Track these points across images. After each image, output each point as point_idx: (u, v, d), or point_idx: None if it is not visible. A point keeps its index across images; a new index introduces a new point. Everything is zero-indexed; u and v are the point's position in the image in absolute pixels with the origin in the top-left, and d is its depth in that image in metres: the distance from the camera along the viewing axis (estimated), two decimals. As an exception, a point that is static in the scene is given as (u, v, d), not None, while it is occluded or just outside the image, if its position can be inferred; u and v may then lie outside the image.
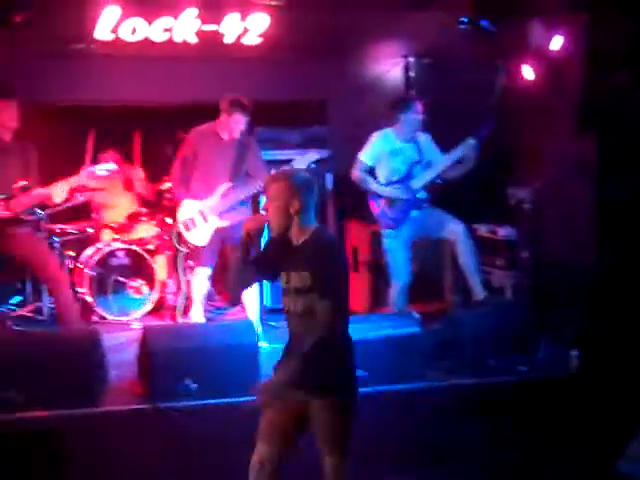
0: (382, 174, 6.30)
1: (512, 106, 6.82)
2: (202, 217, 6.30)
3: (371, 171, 6.32)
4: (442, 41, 7.14)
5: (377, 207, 6.31)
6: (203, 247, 6.36)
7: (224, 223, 6.30)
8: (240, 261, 3.74)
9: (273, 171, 6.06)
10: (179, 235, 6.43)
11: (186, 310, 6.79)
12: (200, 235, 6.33)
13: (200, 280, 6.45)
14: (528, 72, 6.76)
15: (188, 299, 6.82)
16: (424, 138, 6.36)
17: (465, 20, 5.32)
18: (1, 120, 5.96)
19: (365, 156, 6.27)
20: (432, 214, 6.33)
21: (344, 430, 3.60)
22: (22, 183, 5.99)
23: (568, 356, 5.71)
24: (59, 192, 6.01)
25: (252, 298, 6.37)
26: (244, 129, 6.29)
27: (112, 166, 6.35)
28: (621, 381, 5.40)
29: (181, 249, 6.69)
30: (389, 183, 6.26)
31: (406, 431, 5.11)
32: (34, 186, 6.02)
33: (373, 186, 6.26)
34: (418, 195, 6.27)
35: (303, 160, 6.20)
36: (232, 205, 6.28)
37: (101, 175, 6.25)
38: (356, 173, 6.27)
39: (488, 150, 6.40)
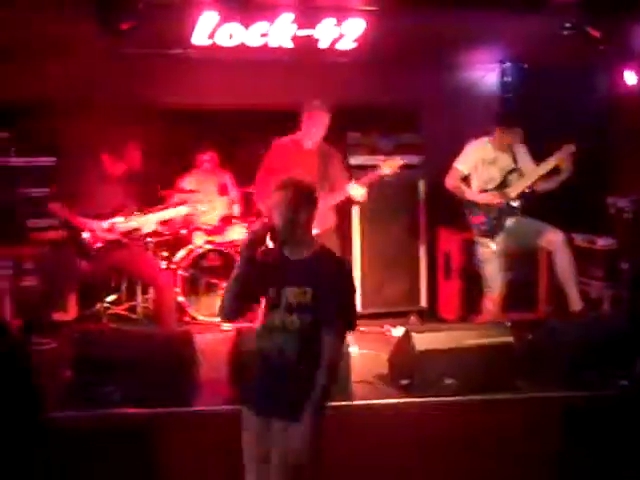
0: (477, 182, 6.22)
1: (613, 113, 6.64)
2: None
3: (465, 179, 6.24)
4: (541, 46, 6.99)
5: (471, 216, 6.22)
6: None
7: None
8: (245, 261, 3.59)
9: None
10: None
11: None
12: None
13: None
14: (631, 78, 6.57)
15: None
16: (520, 148, 6.25)
17: (568, 25, 5.16)
18: (112, 170, 6.35)
19: (461, 164, 6.21)
20: (528, 223, 6.21)
21: None
22: (126, 208, 6.37)
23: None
24: (148, 225, 6.43)
25: None
26: (324, 134, 6.20)
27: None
28: None
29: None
30: (483, 191, 6.16)
31: (496, 441, 5.00)
32: (134, 211, 6.41)
33: (469, 194, 6.16)
34: (513, 204, 6.14)
35: (388, 165, 6.12)
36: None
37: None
38: (451, 181, 6.21)
39: (587, 158, 6.24)
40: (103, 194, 6.30)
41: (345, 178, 6.28)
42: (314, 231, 6.05)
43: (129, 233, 6.41)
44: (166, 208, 6.63)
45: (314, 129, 6.16)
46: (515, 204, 6.17)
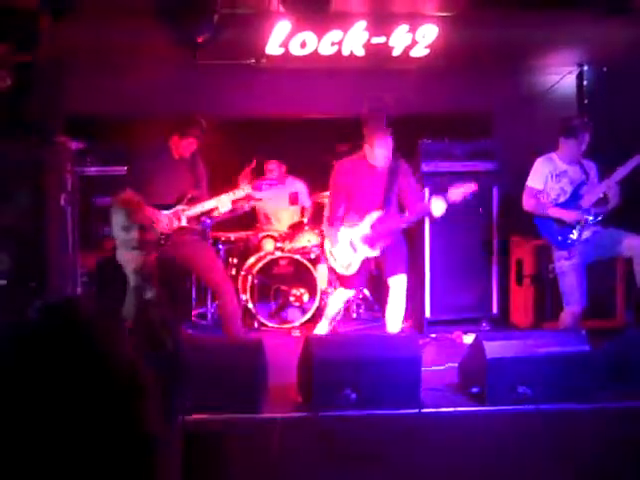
0: (549, 196, 6.12)
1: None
2: (352, 248, 6.17)
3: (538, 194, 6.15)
4: (621, 48, 6.83)
5: (548, 228, 6.11)
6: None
7: (375, 253, 6.16)
8: None
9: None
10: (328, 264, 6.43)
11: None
12: (348, 265, 6.20)
13: (337, 300, 6.44)
14: None
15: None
16: (589, 164, 6.14)
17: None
18: (181, 151, 6.28)
19: (533, 181, 6.14)
20: (605, 233, 6.05)
21: None
22: (191, 195, 6.27)
23: None
24: (225, 202, 6.23)
25: (396, 313, 6.25)
26: (391, 144, 6.04)
27: (273, 181, 6.50)
28: None
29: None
30: (557, 205, 6.06)
31: (571, 453, 4.88)
32: (203, 197, 6.29)
33: (552, 211, 6.05)
34: (588, 216, 6.02)
35: (457, 191, 5.97)
36: (383, 234, 6.11)
37: (264, 189, 6.40)
38: (530, 201, 6.11)
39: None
40: (171, 180, 6.27)
41: (414, 195, 6.22)
42: (374, 253, 6.12)
43: (196, 220, 6.36)
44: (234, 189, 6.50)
45: (380, 156, 6.04)
46: (593, 215, 6.03)
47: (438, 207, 5.94)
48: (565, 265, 6.03)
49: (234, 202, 6.40)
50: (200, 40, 4.96)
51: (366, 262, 6.23)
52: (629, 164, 5.88)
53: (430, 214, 6.05)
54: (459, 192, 5.96)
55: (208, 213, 6.38)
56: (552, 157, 6.15)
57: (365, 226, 6.11)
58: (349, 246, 6.18)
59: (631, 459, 4.82)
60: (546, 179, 6.12)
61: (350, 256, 6.17)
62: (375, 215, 6.11)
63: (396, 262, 6.22)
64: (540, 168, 6.14)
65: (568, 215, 6.01)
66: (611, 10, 4.79)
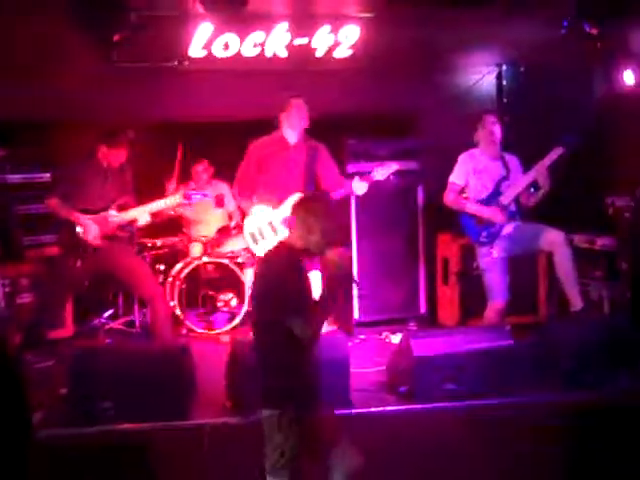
0: (471, 192, 6.20)
1: (612, 113, 6.59)
2: (271, 228, 6.20)
3: (461, 191, 6.22)
4: (538, 48, 6.95)
5: (469, 225, 6.18)
6: None
7: None
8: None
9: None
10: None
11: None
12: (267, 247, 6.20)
13: None
14: (629, 77, 6.52)
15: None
16: (511, 157, 6.24)
17: (566, 24, 5.13)
18: (109, 161, 6.26)
19: (455, 177, 6.24)
20: (527, 227, 6.15)
21: None
22: (121, 201, 6.25)
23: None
24: (143, 216, 6.28)
25: None
26: (306, 123, 6.20)
27: (204, 192, 6.62)
28: None
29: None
30: (478, 201, 6.13)
31: (496, 446, 4.94)
32: (131, 204, 6.29)
33: (469, 208, 6.13)
34: (509, 209, 6.11)
35: (383, 171, 6.12)
36: None
37: (194, 200, 6.45)
38: (450, 196, 6.20)
39: (586, 158, 6.18)
40: (98, 187, 6.23)
41: (335, 174, 6.29)
42: None
43: (123, 227, 6.32)
44: (158, 199, 6.46)
45: (297, 121, 6.17)
46: (513, 209, 6.12)
47: (360, 187, 6.11)
48: (487, 261, 6.12)
49: (153, 215, 6.36)
50: (116, 38, 4.85)
51: None
52: (553, 153, 5.97)
53: (352, 193, 6.21)
54: (383, 172, 6.11)
55: (131, 222, 6.33)
56: (474, 153, 6.25)
57: (285, 208, 6.04)
58: (269, 227, 6.18)
59: (554, 449, 4.91)
60: (467, 175, 6.20)
61: (270, 238, 6.12)
62: (296, 197, 6.09)
63: None
64: (462, 164, 6.23)
65: (484, 212, 6.10)
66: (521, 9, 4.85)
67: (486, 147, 6.19)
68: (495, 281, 6.10)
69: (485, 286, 6.16)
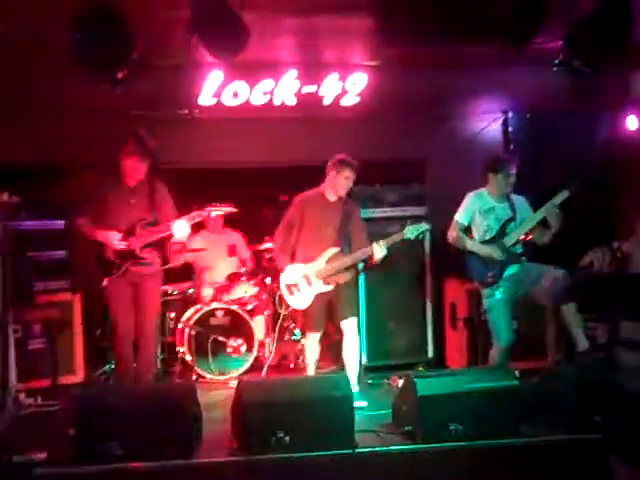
0: (477, 232, 6.24)
1: (616, 157, 6.65)
2: (306, 281, 6.30)
3: (467, 230, 6.27)
4: (542, 95, 7.05)
5: (474, 266, 6.20)
6: (312, 312, 6.34)
7: (328, 288, 6.28)
8: None
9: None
10: (280, 298, 6.42)
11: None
12: (302, 299, 6.32)
13: (311, 345, 6.38)
14: (632, 122, 6.60)
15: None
16: (518, 198, 6.28)
17: (557, 62, 5.25)
18: (129, 174, 6.20)
19: (460, 216, 6.28)
20: (531, 268, 6.16)
21: None
22: (147, 219, 6.21)
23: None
24: (182, 227, 6.13)
25: (352, 356, 6.33)
26: (351, 187, 6.33)
27: (228, 208, 6.56)
28: None
29: (281, 312, 6.73)
30: (483, 241, 6.18)
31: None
32: (162, 222, 6.21)
33: (470, 245, 6.18)
34: (514, 251, 6.13)
35: (413, 230, 6.19)
36: (338, 270, 6.26)
37: (217, 214, 6.60)
38: (453, 233, 6.26)
39: (592, 204, 6.22)
40: (123, 205, 6.19)
41: (364, 235, 6.38)
42: (328, 288, 6.19)
43: (156, 250, 6.31)
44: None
45: (342, 191, 6.29)
46: (518, 251, 6.15)
47: (379, 251, 6.13)
48: (491, 301, 6.13)
49: (191, 227, 6.29)
50: (120, 76, 4.97)
51: (322, 301, 6.30)
52: (560, 196, 6.00)
53: (371, 257, 6.21)
54: (413, 231, 6.19)
55: (164, 241, 6.29)
56: (481, 193, 6.29)
57: (321, 261, 6.24)
58: (304, 280, 6.28)
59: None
60: (473, 214, 6.24)
61: (305, 291, 6.26)
62: (331, 251, 6.25)
63: (348, 305, 6.38)
64: (469, 203, 6.28)
65: (482, 249, 6.14)
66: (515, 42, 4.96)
67: (496, 189, 6.23)
68: (499, 321, 6.10)
69: (490, 327, 6.17)
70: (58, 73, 6.29)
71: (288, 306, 6.50)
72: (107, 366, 7.27)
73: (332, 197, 6.35)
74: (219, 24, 5.01)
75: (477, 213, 6.24)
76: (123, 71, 4.99)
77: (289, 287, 6.35)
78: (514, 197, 6.28)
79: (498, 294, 6.10)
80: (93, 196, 6.29)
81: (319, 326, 6.37)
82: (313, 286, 6.27)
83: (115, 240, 6.09)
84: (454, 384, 5.20)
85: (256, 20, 5.13)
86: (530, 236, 6.13)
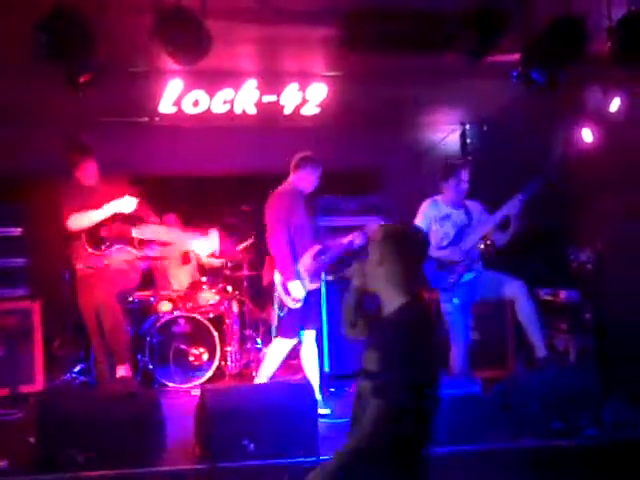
0: (434, 240, 6.32)
1: (572, 169, 6.80)
2: (300, 280, 6.17)
3: None
4: (499, 107, 7.18)
5: (433, 273, 6.30)
6: (297, 314, 6.23)
7: (314, 286, 6.26)
8: None
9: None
10: (280, 299, 6.31)
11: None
12: (299, 299, 6.18)
13: (281, 352, 6.26)
14: (587, 135, 6.76)
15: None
16: (473, 204, 6.40)
17: (515, 73, 5.37)
18: (82, 177, 6.36)
19: (417, 224, 6.31)
20: (487, 276, 6.28)
21: None
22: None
23: (637, 418, 5.52)
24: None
25: (312, 363, 6.35)
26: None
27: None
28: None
29: (281, 314, 6.72)
30: (440, 248, 6.29)
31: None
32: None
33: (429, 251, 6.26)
34: (471, 256, 6.24)
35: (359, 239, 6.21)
36: (323, 265, 6.27)
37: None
38: None
39: (547, 213, 6.33)
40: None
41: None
42: (314, 286, 6.18)
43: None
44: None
45: (315, 181, 6.32)
46: (474, 257, 6.25)
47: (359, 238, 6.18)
48: (448, 307, 6.23)
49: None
50: (83, 80, 4.97)
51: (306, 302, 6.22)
52: (503, 209, 6.12)
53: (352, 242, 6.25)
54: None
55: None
56: (437, 200, 6.39)
57: (307, 258, 6.16)
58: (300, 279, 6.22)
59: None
60: (430, 222, 6.32)
61: (301, 288, 6.15)
62: (317, 247, 6.24)
63: (314, 315, 6.39)
64: (425, 211, 6.37)
65: (442, 253, 6.24)
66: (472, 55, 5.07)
67: (450, 196, 6.33)
68: (457, 325, 6.22)
69: (449, 331, 6.28)
70: (16, 79, 6.26)
71: (283, 306, 6.32)
72: (67, 375, 7.22)
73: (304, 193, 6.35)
74: (181, 30, 5.02)
75: (433, 221, 6.33)
76: (85, 76, 4.98)
77: (288, 287, 6.17)
78: (470, 203, 6.39)
79: (455, 300, 6.20)
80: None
81: (296, 333, 6.25)
82: (304, 284, 6.15)
83: None
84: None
85: (216, 28, 5.14)
86: (487, 241, 6.22)
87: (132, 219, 6.47)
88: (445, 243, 6.28)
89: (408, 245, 3.28)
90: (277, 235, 6.10)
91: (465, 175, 6.26)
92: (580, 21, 4.97)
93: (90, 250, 6.38)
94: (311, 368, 6.35)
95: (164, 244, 7.08)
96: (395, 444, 3.05)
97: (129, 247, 6.56)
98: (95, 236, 6.38)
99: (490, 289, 6.22)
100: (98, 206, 6.37)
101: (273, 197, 6.25)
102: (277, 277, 6.20)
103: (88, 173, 6.47)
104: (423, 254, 3.34)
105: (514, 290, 6.13)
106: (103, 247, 6.37)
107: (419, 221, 6.33)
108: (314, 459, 4.91)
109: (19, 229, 7.17)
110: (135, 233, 6.42)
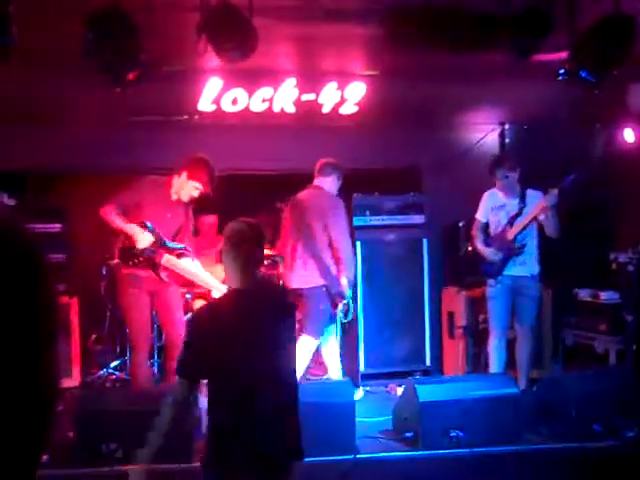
0: (492, 228, 6.51)
1: (614, 170, 6.73)
2: None
3: (486, 226, 6.53)
4: (540, 106, 7.11)
5: (482, 261, 6.44)
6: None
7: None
8: None
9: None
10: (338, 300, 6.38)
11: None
12: None
13: (306, 351, 6.22)
14: (629, 135, 6.69)
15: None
16: (534, 194, 6.42)
17: (562, 71, 5.29)
18: (177, 190, 6.25)
19: (479, 214, 6.56)
20: (519, 299, 6.41)
21: None
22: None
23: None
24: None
25: (334, 359, 6.36)
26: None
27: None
28: None
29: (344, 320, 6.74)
30: (486, 244, 6.46)
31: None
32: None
33: (477, 243, 6.47)
34: (516, 243, 6.26)
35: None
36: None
37: None
38: (473, 231, 6.55)
39: (590, 214, 6.28)
40: (164, 214, 6.22)
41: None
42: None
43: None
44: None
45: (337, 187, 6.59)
46: (520, 244, 6.31)
47: None
48: (490, 290, 6.35)
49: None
50: (131, 77, 4.97)
51: None
52: (537, 206, 6.21)
53: None
54: None
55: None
56: (494, 191, 6.54)
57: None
58: None
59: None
60: (487, 212, 6.50)
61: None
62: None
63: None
64: (484, 201, 6.55)
65: (483, 251, 6.42)
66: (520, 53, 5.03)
67: (502, 187, 6.47)
68: (495, 311, 6.33)
69: (487, 317, 6.36)
70: (58, 78, 6.30)
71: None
72: (103, 370, 7.26)
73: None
74: (229, 27, 5.01)
75: (490, 210, 6.50)
76: (133, 74, 4.98)
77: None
78: (531, 192, 6.45)
79: (496, 283, 6.32)
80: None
81: (322, 332, 6.36)
82: None
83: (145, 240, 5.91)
84: (455, 391, 5.25)
85: (257, 26, 5.14)
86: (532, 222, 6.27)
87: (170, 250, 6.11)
88: (499, 231, 6.39)
89: (238, 241, 3.53)
90: (348, 236, 6.44)
91: (508, 171, 6.36)
92: (630, 20, 4.89)
93: (117, 261, 6.05)
94: (332, 363, 6.41)
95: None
96: None
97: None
98: (129, 251, 5.96)
99: (511, 309, 6.28)
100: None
101: (334, 200, 6.56)
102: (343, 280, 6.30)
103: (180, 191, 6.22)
104: (250, 249, 3.54)
105: (523, 333, 6.31)
106: (130, 263, 5.96)
107: (479, 211, 6.53)
108: (351, 457, 4.91)
109: (58, 225, 7.24)
110: (164, 261, 6.11)
